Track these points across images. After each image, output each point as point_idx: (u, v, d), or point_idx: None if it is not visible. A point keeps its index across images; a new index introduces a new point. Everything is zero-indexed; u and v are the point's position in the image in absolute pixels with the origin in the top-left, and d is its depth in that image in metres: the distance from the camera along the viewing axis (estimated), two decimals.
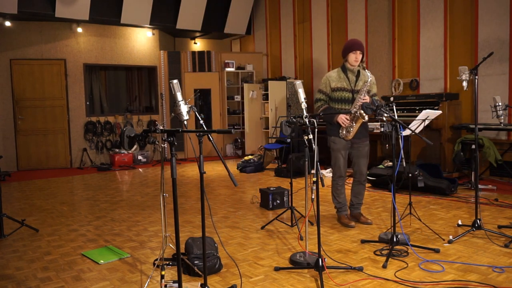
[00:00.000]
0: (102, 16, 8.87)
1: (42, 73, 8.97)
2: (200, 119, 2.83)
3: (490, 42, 6.36)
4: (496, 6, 6.28)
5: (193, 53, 10.32)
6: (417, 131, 4.22)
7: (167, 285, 2.77)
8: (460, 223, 4.10)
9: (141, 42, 9.95)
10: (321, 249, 2.95)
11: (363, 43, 8.11)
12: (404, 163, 4.07)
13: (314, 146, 2.97)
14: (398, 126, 3.38)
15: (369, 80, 3.98)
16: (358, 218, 4.31)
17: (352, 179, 4.37)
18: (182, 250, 3.26)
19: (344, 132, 4.10)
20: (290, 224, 4.30)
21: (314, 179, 2.94)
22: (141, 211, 5.15)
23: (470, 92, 6.52)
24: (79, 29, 9.13)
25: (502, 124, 4.41)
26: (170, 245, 3.18)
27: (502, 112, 4.31)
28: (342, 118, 4.05)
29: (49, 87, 9.06)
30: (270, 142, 8.80)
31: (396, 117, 3.45)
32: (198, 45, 11.59)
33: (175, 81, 2.88)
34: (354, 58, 4.08)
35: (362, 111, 3.88)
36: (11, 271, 3.28)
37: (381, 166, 6.30)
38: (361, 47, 4.09)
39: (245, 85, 9.81)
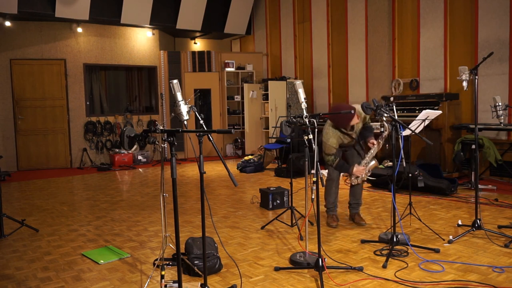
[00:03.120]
0: (102, 16, 8.87)
1: (42, 73, 8.97)
2: (200, 119, 2.83)
3: (490, 42, 6.36)
4: (496, 6, 6.28)
5: (193, 53, 10.31)
6: (417, 131, 4.22)
7: (167, 285, 2.77)
8: (460, 223, 4.10)
9: (141, 42, 9.95)
10: (321, 249, 2.95)
11: (363, 43, 8.17)
12: (404, 163, 4.07)
13: (314, 146, 2.97)
14: (398, 126, 3.39)
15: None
16: (355, 219, 4.32)
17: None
18: (182, 250, 3.26)
19: (353, 178, 4.14)
20: (290, 224, 4.30)
21: (314, 179, 2.94)
22: (141, 211, 5.15)
23: (470, 92, 6.52)
24: (79, 29, 9.13)
25: (502, 124, 4.40)
26: (170, 245, 3.18)
27: (502, 112, 4.30)
28: (359, 171, 4.05)
29: (49, 87, 9.06)
30: (270, 142, 8.80)
31: (396, 117, 3.45)
32: (198, 45, 11.59)
33: (175, 81, 2.88)
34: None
35: (371, 164, 4.00)
36: (11, 271, 3.28)
37: (381, 166, 6.30)
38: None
39: (245, 85, 9.81)
